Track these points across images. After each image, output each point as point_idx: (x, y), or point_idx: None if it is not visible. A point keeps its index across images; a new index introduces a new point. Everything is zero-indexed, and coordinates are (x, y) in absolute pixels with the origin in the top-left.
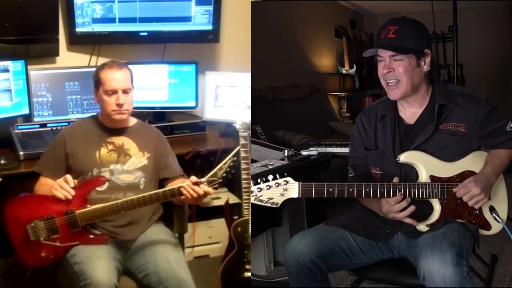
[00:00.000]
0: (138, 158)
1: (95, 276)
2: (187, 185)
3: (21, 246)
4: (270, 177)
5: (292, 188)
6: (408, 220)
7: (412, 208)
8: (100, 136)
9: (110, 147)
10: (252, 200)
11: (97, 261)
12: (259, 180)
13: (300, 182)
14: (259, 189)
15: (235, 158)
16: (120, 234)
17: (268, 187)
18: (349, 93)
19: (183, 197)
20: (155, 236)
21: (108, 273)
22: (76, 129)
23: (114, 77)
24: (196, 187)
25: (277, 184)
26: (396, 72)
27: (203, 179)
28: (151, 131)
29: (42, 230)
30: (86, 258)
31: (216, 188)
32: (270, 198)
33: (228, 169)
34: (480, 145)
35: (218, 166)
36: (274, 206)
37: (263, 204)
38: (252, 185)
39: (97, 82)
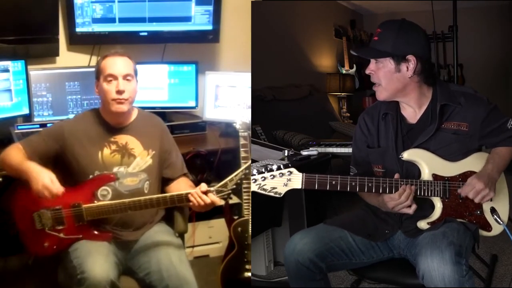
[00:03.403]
0: (143, 159)
1: (93, 271)
2: (195, 193)
3: (26, 233)
4: (275, 166)
5: (296, 179)
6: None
7: (414, 206)
8: (103, 134)
9: (114, 147)
10: (256, 189)
11: (97, 256)
12: (263, 170)
13: (304, 173)
14: (263, 178)
15: (247, 171)
16: (123, 235)
17: (272, 176)
18: (349, 93)
19: (190, 203)
20: (157, 235)
21: (106, 268)
22: (78, 126)
23: (115, 63)
24: (204, 196)
25: (281, 174)
26: (376, 76)
27: (212, 188)
28: (154, 124)
29: (48, 219)
30: (86, 253)
31: (225, 199)
32: (274, 188)
33: (238, 181)
34: (482, 144)
35: (229, 178)
36: (277, 196)
37: (266, 193)
38: (256, 173)
39: (98, 72)
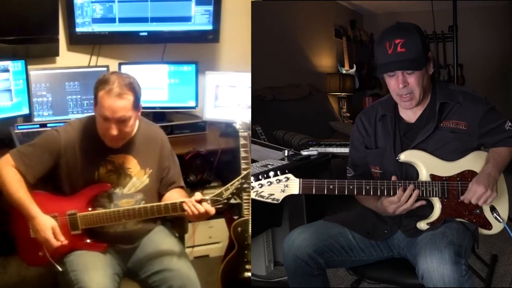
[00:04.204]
0: (139, 178)
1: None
2: (190, 201)
3: (21, 242)
4: (271, 173)
5: (293, 185)
6: (418, 204)
7: (417, 192)
8: (99, 152)
9: (110, 167)
10: (253, 196)
11: (94, 272)
12: (260, 176)
13: (301, 179)
14: (260, 185)
15: (243, 181)
16: (123, 246)
17: (269, 183)
18: (349, 93)
19: (185, 212)
20: (158, 237)
21: (105, 284)
22: (74, 139)
23: (111, 106)
24: (198, 205)
25: (278, 181)
26: (409, 86)
27: (207, 197)
28: (154, 138)
29: None
30: (83, 267)
31: (220, 208)
32: (271, 194)
33: (234, 191)
34: (480, 144)
35: (225, 187)
36: (275, 202)
37: (264, 200)
38: (253, 181)
39: (95, 98)
